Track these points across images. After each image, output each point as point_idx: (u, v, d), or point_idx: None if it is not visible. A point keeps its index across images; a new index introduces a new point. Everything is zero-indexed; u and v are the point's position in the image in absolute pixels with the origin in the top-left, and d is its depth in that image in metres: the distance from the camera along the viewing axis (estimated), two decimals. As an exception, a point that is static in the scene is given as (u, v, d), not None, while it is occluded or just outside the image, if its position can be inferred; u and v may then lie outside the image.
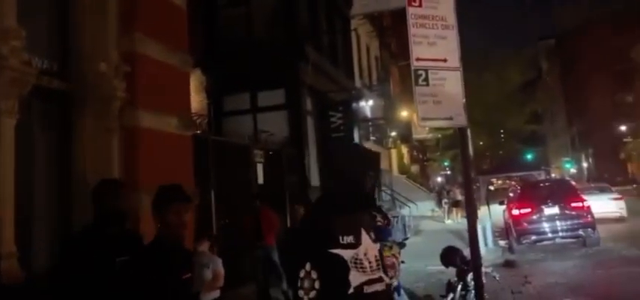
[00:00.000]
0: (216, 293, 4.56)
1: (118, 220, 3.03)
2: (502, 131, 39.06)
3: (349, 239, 2.29)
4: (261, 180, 9.69)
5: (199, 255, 4.57)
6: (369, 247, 2.34)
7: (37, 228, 4.49)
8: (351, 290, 2.26)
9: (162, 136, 5.87)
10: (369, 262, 2.32)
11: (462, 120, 4.03)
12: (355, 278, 2.27)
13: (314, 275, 2.21)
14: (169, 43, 5.91)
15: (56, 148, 4.87)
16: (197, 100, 10.11)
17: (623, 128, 48.06)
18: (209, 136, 8.13)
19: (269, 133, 10.91)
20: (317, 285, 2.21)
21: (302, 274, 2.20)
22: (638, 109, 45.91)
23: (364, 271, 2.29)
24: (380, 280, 2.35)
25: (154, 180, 5.66)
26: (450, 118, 4.00)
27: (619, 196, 18.83)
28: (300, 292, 2.20)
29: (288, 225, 7.26)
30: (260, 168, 9.77)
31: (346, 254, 2.28)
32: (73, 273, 2.74)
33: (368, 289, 2.29)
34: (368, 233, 2.35)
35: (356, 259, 2.29)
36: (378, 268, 2.36)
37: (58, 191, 4.81)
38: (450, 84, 4.03)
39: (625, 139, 47.90)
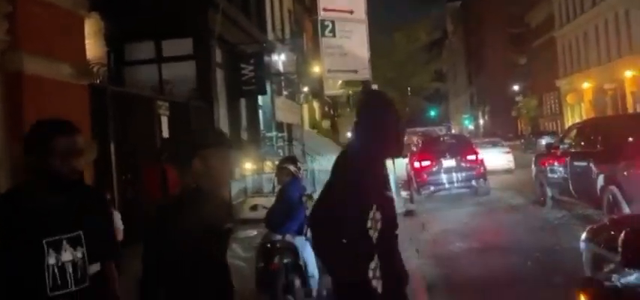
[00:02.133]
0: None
1: None
2: (409, 88, 40.57)
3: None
4: (166, 133, 9.32)
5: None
6: None
7: None
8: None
9: (51, 84, 5.41)
10: None
11: (366, 73, 4.07)
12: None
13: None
14: (58, -19, 5.39)
15: None
16: (95, 48, 9.36)
17: (515, 88, 51.78)
18: (108, 86, 7.61)
19: (172, 84, 10.43)
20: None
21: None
22: (529, 70, 49.57)
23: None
24: None
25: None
26: (355, 71, 4.03)
27: (509, 150, 20.56)
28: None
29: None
30: (165, 121, 9.38)
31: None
32: None
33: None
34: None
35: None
36: None
37: None
38: (356, 37, 4.03)
39: (517, 98, 51.83)
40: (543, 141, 18.18)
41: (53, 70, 5.38)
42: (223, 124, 13.01)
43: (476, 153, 14.03)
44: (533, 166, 11.73)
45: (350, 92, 30.79)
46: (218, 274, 2.39)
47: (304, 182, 5.47)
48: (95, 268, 2.18)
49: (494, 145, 20.94)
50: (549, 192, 10.45)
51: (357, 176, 2.48)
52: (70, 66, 5.70)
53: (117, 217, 4.46)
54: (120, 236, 4.39)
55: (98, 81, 7.31)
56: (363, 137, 2.59)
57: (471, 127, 66.20)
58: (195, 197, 2.35)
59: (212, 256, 2.34)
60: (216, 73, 12.51)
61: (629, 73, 30.32)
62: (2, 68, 4.69)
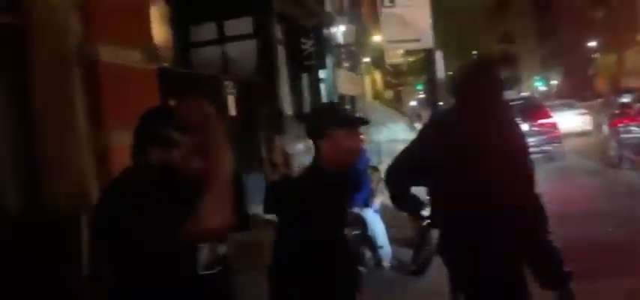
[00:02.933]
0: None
1: None
2: (475, 52, 39.18)
3: None
4: (233, 112, 9.57)
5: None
6: None
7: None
8: None
9: (124, 71, 5.67)
10: None
11: (428, 41, 3.97)
12: None
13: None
14: (125, -30, 5.61)
15: (12, 88, 4.67)
16: (161, 32, 9.73)
17: (592, 44, 48.60)
18: (175, 68, 7.91)
19: (238, 63, 10.66)
20: None
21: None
22: (607, 24, 46.28)
23: None
24: None
25: (120, 117, 5.54)
26: (417, 40, 3.94)
27: (585, 112, 19.43)
28: None
29: (264, 155, 7.17)
30: (231, 100, 9.63)
31: None
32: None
33: None
34: None
35: None
36: None
37: (17, 133, 4.66)
38: (417, 4, 3.93)
39: (593, 55, 48.58)
40: (623, 100, 17.14)
41: (126, 56, 5.64)
42: (286, 100, 13.18)
43: (549, 116, 13.42)
44: (604, 126, 11.12)
45: (410, 60, 30.23)
46: (345, 252, 2.40)
47: (369, 154, 5.47)
48: (223, 248, 2.17)
49: (569, 106, 19.90)
50: (623, 153, 9.75)
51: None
52: (139, 51, 5.94)
53: None
54: None
55: (166, 64, 7.60)
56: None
57: (544, 88, 63.05)
58: (321, 176, 2.31)
59: (338, 234, 2.36)
60: (277, 50, 12.65)
61: None
62: (80, 58, 4.96)
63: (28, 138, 4.68)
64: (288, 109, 13.24)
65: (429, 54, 4.15)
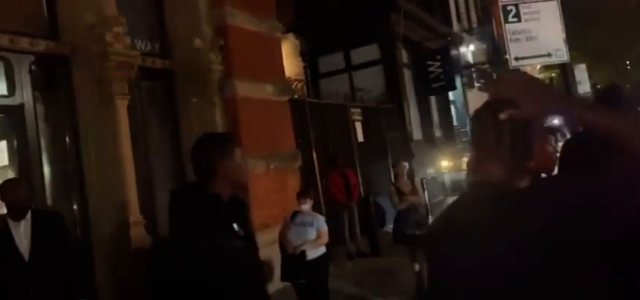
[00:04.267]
0: (322, 250, 4.69)
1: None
2: (627, 61, 35.23)
3: None
4: (361, 138, 9.73)
5: (303, 213, 4.70)
6: None
7: (158, 198, 4.91)
8: None
9: (259, 103, 6.12)
10: None
11: (562, 54, 3.72)
12: None
13: None
14: (258, 11, 6.09)
15: (165, 123, 5.29)
16: (293, 65, 10.32)
17: None
18: (306, 98, 8.30)
19: (365, 90, 10.85)
20: None
21: None
22: None
23: None
24: None
25: (255, 145, 5.98)
26: (548, 55, 3.71)
27: None
28: None
29: (393, 180, 7.18)
30: (358, 126, 9.80)
31: None
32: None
33: None
34: None
35: None
36: None
37: (170, 164, 5.24)
38: (546, 16, 3.73)
39: None
40: None
41: (260, 90, 6.09)
42: (414, 123, 13.07)
43: None
44: None
45: (552, 75, 28.10)
46: None
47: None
48: None
49: None
50: None
51: None
52: (272, 85, 6.38)
53: (321, 220, 4.74)
54: (325, 239, 4.65)
55: (297, 95, 8.01)
56: None
57: None
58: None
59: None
60: (403, 74, 12.64)
61: None
62: (221, 93, 5.47)
63: (180, 169, 5.23)
64: (417, 132, 13.12)
65: (564, 69, 3.89)
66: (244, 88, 5.80)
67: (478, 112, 1.32)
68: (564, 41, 3.64)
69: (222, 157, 2.04)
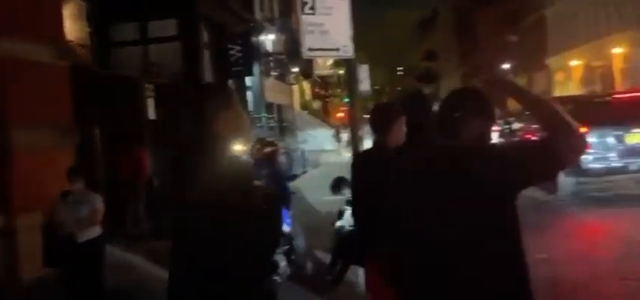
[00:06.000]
0: (97, 230, 4.34)
1: None
2: (400, 68, 40.41)
3: None
4: (152, 115, 9.22)
5: (74, 193, 4.28)
6: None
7: None
8: None
9: (32, 66, 5.31)
10: None
11: (348, 51, 3.99)
12: None
13: None
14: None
15: None
16: (76, 29, 9.21)
17: (506, 66, 51.79)
18: (90, 68, 7.50)
19: (159, 66, 10.31)
20: None
21: None
22: (520, 48, 49.47)
23: None
24: None
25: (25, 114, 5.17)
26: (336, 50, 3.94)
27: (496, 129, 21.10)
28: None
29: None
30: (151, 103, 9.27)
31: None
32: None
33: None
34: None
35: None
36: None
37: None
38: (337, 13, 3.95)
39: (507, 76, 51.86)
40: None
41: (33, 51, 5.28)
42: (211, 105, 12.90)
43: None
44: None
45: (341, 72, 30.75)
46: None
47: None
48: None
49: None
50: None
51: None
52: (50, 47, 5.59)
53: (96, 199, 4.41)
54: (98, 217, 4.35)
55: (81, 62, 7.20)
56: None
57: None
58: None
59: None
60: (202, 54, 12.38)
61: (617, 50, 30.49)
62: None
63: None
64: (213, 115, 12.95)
65: (350, 66, 4.20)
66: (12, 46, 4.97)
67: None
68: (351, 39, 3.92)
69: None
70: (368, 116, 3.21)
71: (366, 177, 2.83)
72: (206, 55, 12.70)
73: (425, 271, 1.69)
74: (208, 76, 12.77)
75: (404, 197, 1.80)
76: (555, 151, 1.57)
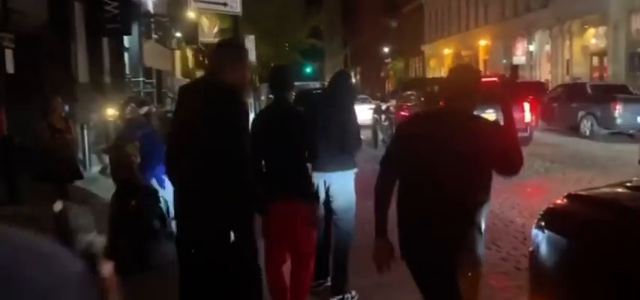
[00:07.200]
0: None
1: None
2: (287, 44, 40.46)
3: None
4: (11, 69, 8.26)
5: None
6: None
7: None
8: None
9: None
10: None
11: (236, 7, 3.85)
12: None
13: None
14: None
15: None
16: None
17: (386, 50, 54.40)
18: None
19: (20, 14, 9.18)
20: None
21: None
22: (399, 34, 52.16)
23: None
24: None
25: None
26: (224, 4, 3.78)
27: (373, 106, 22.42)
28: None
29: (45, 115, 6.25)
30: (9, 55, 8.30)
31: None
32: None
33: None
34: None
35: None
36: None
37: None
38: (225, -34, 3.77)
39: (386, 60, 54.65)
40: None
41: None
42: (82, 64, 11.88)
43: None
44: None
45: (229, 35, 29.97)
46: None
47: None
48: None
49: (363, 102, 22.28)
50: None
51: None
52: None
53: None
54: None
55: None
56: None
57: (345, 85, 68.00)
58: None
59: None
60: (73, 6, 11.31)
61: (482, 42, 33.93)
62: None
63: None
64: (83, 75, 11.94)
65: (235, 29, 4.03)
66: None
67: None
68: (240, -4, 3.78)
69: None
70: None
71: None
72: (77, 7, 11.62)
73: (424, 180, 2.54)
74: (80, 31, 11.71)
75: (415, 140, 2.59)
76: (513, 163, 2.53)
